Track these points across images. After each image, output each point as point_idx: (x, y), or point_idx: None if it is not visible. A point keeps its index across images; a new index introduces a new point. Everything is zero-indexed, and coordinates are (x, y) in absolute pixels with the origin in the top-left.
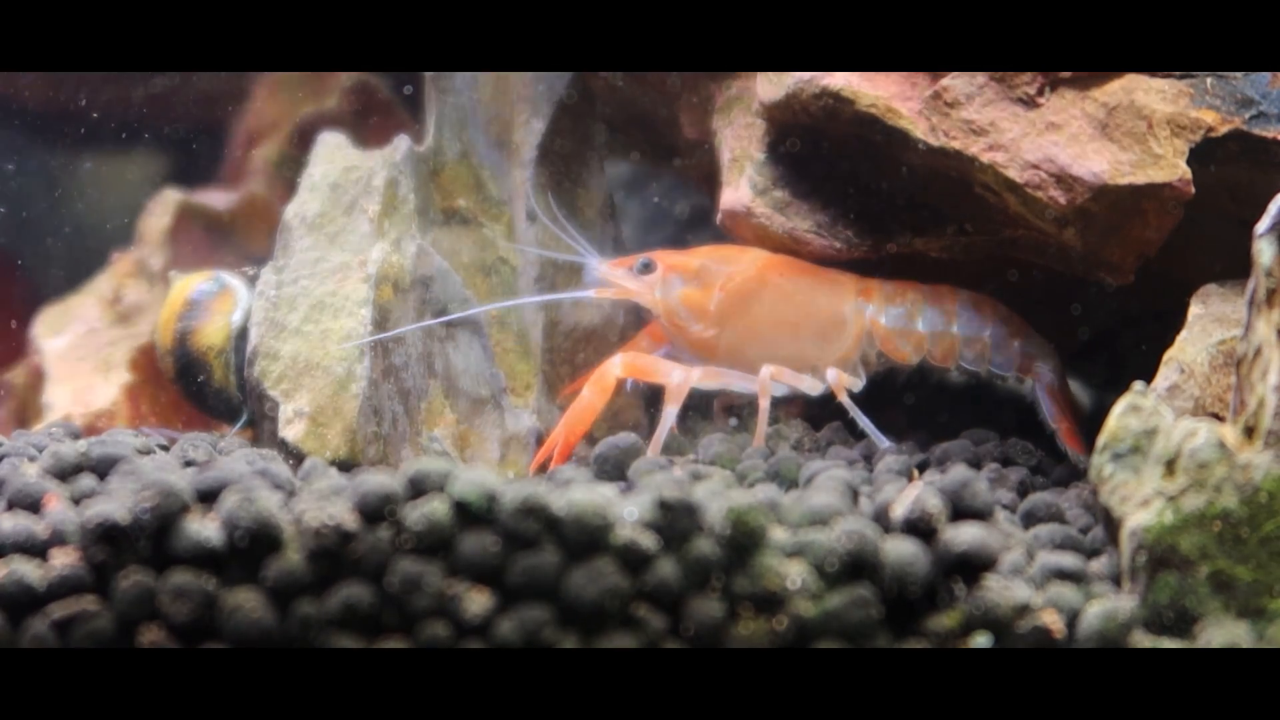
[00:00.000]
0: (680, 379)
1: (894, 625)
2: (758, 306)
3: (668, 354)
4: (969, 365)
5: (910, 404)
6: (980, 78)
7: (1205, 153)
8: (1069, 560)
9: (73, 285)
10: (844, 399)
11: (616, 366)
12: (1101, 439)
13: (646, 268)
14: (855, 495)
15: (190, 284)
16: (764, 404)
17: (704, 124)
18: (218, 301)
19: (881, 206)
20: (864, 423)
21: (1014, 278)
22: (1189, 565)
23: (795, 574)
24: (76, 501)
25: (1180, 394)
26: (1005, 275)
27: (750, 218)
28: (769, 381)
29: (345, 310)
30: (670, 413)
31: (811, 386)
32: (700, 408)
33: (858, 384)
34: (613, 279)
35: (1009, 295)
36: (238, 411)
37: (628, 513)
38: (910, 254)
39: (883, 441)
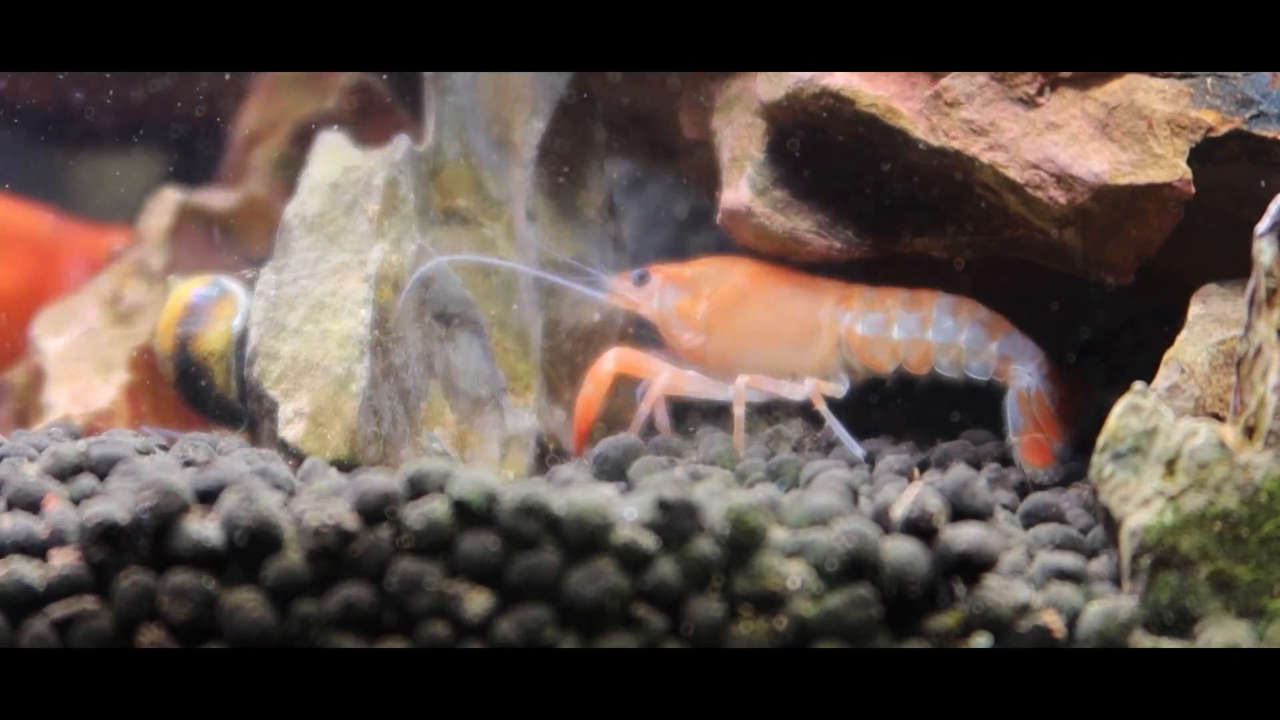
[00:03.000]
0: (666, 380)
1: (894, 625)
2: (739, 315)
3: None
4: (944, 371)
5: (909, 404)
6: (980, 78)
7: (1205, 153)
8: (1069, 560)
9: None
10: (821, 408)
11: (610, 361)
12: (1102, 439)
13: (643, 279)
14: (855, 495)
15: (190, 289)
16: (739, 412)
17: (704, 124)
18: (218, 306)
19: (881, 206)
20: (840, 431)
21: (1012, 279)
22: (1189, 565)
23: (795, 574)
24: (76, 501)
25: (1180, 394)
26: (1005, 275)
27: (750, 218)
28: (744, 390)
29: (345, 310)
30: (641, 413)
31: (793, 391)
32: (701, 409)
33: (840, 390)
34: (618, 293)
35: (1007, 295)
36: (239, 416)
37: (628, 513)
38: (911, 254)
39: (857, 451)
